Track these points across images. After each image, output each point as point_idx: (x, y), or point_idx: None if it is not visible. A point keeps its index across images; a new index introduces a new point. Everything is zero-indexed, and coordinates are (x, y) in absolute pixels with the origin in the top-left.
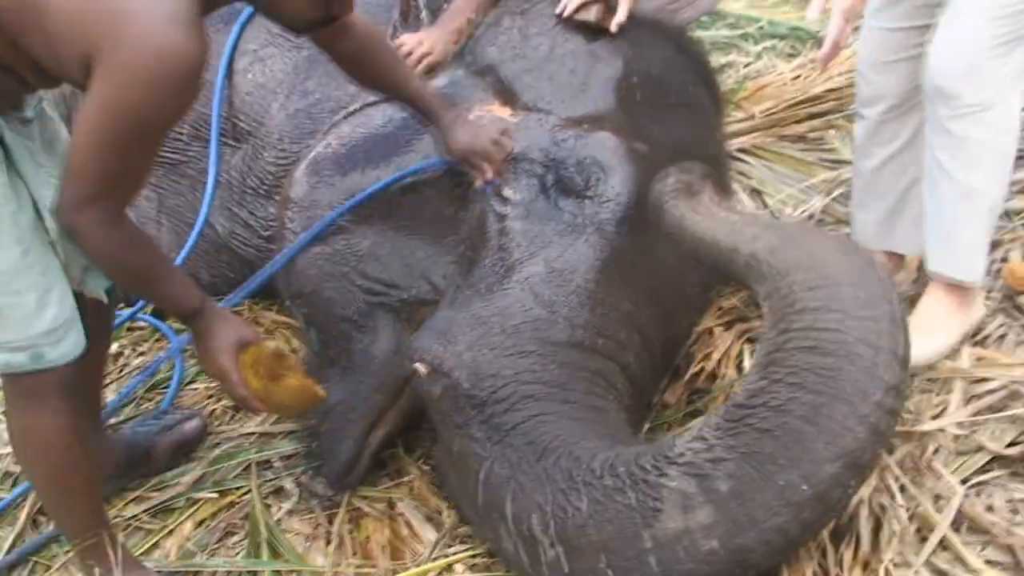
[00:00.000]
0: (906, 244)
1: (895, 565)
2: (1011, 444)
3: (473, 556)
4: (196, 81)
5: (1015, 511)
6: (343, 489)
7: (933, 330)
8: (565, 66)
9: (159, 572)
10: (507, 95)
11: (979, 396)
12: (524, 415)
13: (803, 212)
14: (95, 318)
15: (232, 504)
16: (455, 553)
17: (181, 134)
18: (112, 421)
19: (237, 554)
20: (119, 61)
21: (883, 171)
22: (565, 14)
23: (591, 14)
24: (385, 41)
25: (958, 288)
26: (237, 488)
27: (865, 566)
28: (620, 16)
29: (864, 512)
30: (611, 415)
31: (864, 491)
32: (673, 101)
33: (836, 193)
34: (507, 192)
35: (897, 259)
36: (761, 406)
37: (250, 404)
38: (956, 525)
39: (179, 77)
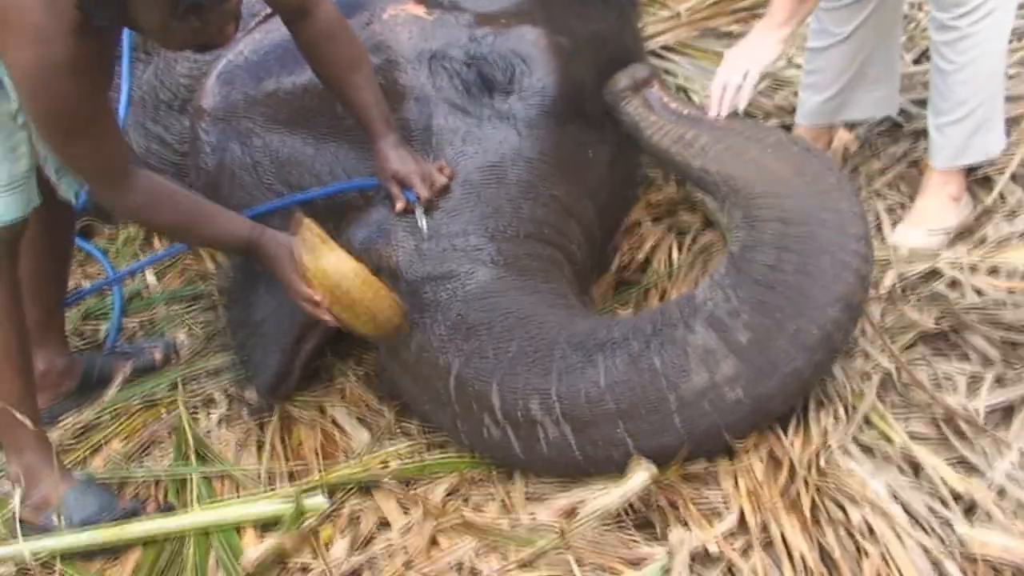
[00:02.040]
0: (863, 110)
1: (830, 446)
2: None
3: (411, 449)
4: (87, 63)
5: (939, 386)
6: (276, 400)
7: (936, 221)
8: None
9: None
10: None
11: (906, 276)
12: (493, 310)
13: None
14: (62, 224)
15: (158, 417)
16: (392, 447)
17: None
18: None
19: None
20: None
21: (842, 48)
22: None
23: None
24: (348, 41)
25: (957, 177)
26: (163, 401)
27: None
28: None
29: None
30: (573, 301)
31: None
32: None
33: (761, 86)
34: (431, 93)
35: (826, 138)
36: (756, 262)
37: (323, 316)
38: (883, 400)
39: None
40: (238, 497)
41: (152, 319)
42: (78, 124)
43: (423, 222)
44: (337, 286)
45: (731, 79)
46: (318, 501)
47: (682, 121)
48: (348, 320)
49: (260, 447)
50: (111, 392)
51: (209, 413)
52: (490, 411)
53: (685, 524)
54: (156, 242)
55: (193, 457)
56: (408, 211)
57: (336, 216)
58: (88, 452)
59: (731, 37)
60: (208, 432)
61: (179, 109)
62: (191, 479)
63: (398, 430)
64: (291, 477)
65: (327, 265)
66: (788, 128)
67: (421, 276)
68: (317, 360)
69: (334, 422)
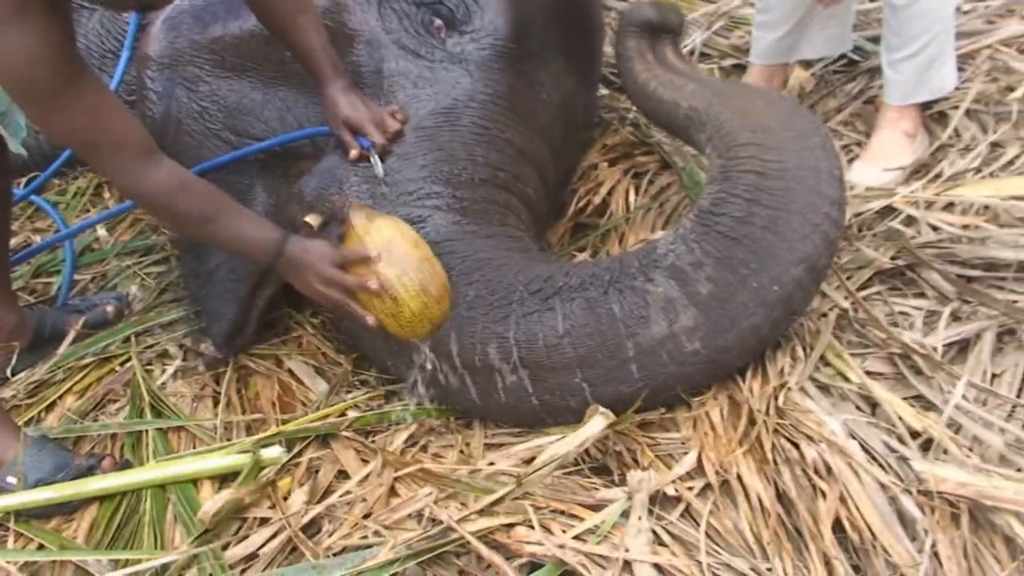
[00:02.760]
0: (817, 49)
1: (787, 387)
2: (893, 258)
3: (369, 399)
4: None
5: (895, 323)
6: (232, 352)
7: (892, 158)
8: None
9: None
10: None
11: (862, 213)
12: (450, 254)
13: (685, 47)
14: None
15: (113, 372)
16: (351, 398)
17: None
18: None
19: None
20: None
21: None
22: None
23: None
24: None
25: (912, 114)
26: (117, 356)
27: (768, 388)
28: None
29: None
30: (531, 245)
31: None
32: None
33: (717, 26)
34: (381, 35)
35: (781, 77)
36: (725, 215)
37: (365, 287)
38: (840, 339)
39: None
40: (195, 451)
41: (104, 273)
42: (58, 92)
43: (379, 168)
44: (391, 242)
45: None
46: (275, 453)
47: (677, 71)
48: (398, 291)
49: (216, 400)
50: (63, 348)
51: (164, 366)
52: (447, 357)
53: (643, 468)
54: (106, 194)
55: (148, 411)
56: (363, 158)
57: (286, 164)
58: (42, 410)
59: None
60: (163, 386)
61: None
62: (147, 434)
63: (356, 380)
64: (248, 429)
65: (381, 225)
66: (743, 67)
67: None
68: (273, 311)
69: (291, 373)
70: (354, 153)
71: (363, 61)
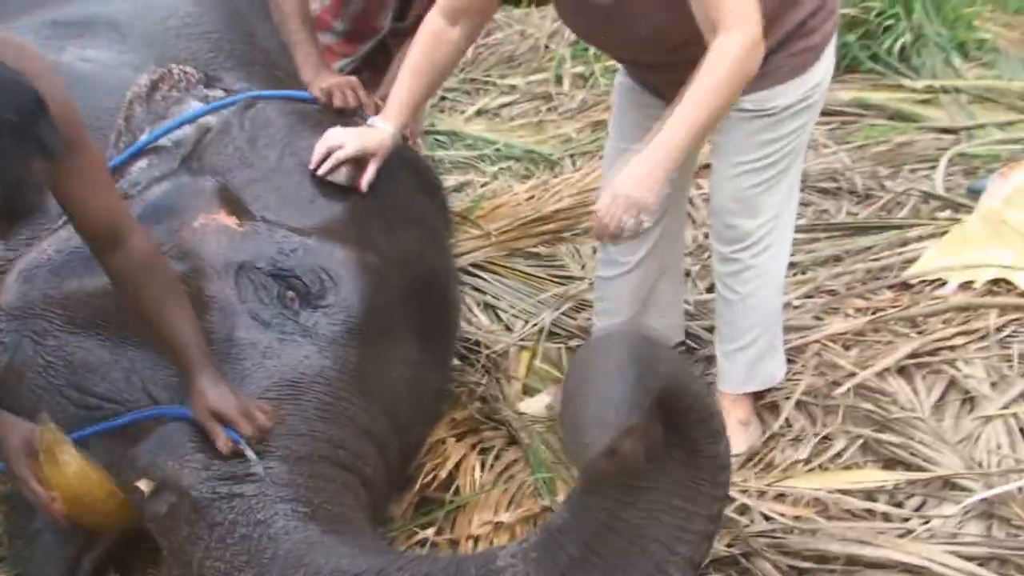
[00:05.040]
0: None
1: None
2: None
3: None
4: None
5: None
6: None
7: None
8: (293, 178)
9: None
10: (234, 204)
11: None
12: (281, 537)
13: (535, 325)
14: None
15: None
16: None
17: None
18: None
19: None
20: None
21: (628, 277)
22: (319, 173)
23: (341, 176)
24: (163, 269)
25: (745, 403)
26: None
27: None
28: (369, 175)
29: None
30: (365, 529)
31: None
32: (402, 215)
33: (565, 307)
34: (235, 304)
35: None
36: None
37: (47, 506)
38: None
39: None
40: None
41: None
42: None
43: (256, 461)
44: (77, 497)
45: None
46: None
47: None
48: (82, 522)
49: None
50: None
51: None
52: None
53: None
54: None
55: None
56: (236, 454)
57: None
58: None
59: (537, 257)
60: None
61: None
62: None
63: None
64: None
65: (71, 475)
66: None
67: (207, 495)
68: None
69: None
70: (221, 445)
71: (215, 328)
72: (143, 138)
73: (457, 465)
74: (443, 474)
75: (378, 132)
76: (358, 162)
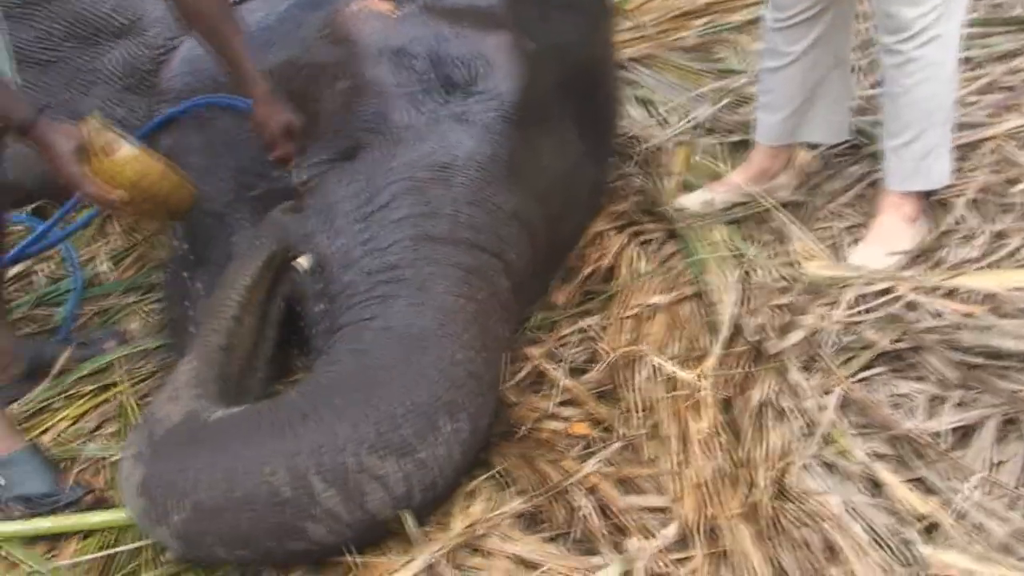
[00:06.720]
0: (816, 133)
1: (790, 462)
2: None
3: None
4: None
5: (897, 405)
6: None
7: (893, 242)
8: None
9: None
10: None
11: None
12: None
13: (691, 121)
14: None
15: (107, 401)
16: None
17: (52, 32)
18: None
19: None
20: None
21: (793, 69)
22: None
23: None
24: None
25: (913, 199)
26: (111, 385)
27: (772, 465)
28: None
29: (770, 412)
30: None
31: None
32: (560, 1)
33: (724, 102)
34: (390, 87)
35: (785, 157)
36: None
37: (109, 201)
38: (845, 417)
39: None
40: None
41: (106, 308)
42: None
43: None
44: (135, 184)
45: None
46: None
47: None
48: (143, 212)
49: None
50: (47, 381)
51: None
52: None
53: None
54: (110, 227)
55: None
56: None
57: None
58: (36, 435)
59: (694, 51)
60: None
61: (144, 92)
62: None
63: None
64: None
65: (124, 161)
66: (747, 144)
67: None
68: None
69: None
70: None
71: (371, 111)
72: None
73: (617, 255)
74: (604, 264)
75: None
76: None
